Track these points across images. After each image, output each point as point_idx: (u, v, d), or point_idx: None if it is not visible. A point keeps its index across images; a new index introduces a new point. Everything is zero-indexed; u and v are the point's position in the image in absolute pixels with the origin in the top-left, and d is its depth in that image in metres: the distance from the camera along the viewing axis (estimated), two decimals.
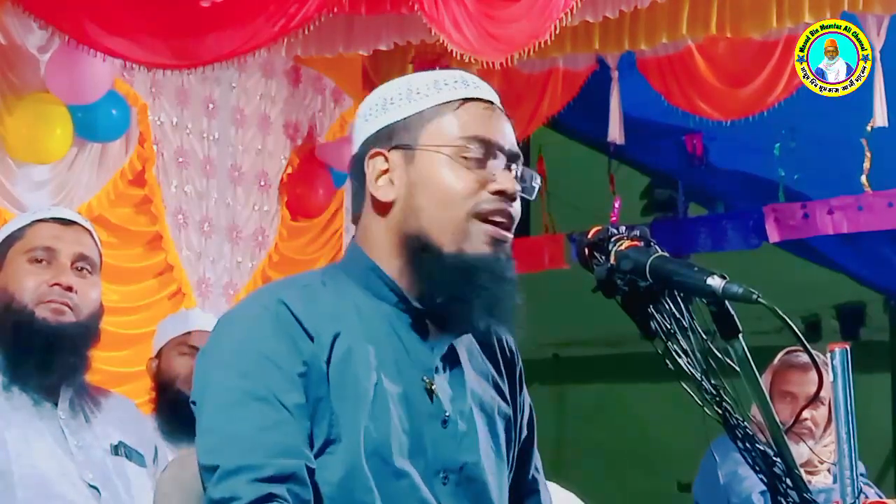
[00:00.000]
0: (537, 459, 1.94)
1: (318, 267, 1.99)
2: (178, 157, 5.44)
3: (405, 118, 1.75)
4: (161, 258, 5.34)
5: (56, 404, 2.54)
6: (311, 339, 1.67)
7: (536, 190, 1.81)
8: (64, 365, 2.53)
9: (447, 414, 1.73)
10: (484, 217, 1.71)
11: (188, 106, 5.50)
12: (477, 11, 4.22)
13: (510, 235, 1.75)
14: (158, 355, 3.69)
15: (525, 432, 1.90)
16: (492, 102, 1.78)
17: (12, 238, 2.60)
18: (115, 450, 2.58)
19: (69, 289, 2.54)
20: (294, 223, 5.99)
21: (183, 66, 4.41)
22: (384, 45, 5.23)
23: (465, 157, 1.72)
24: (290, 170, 5.98)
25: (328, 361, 1.67)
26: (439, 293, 1.71)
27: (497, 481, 1.77)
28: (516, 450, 1.87)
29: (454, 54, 4.37)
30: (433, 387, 1.73)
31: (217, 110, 5.63)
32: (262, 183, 5.86)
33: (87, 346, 2.60)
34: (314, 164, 6.02)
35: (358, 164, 1.79)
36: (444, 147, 1.72)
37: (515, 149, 1.77)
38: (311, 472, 1.62)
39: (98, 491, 2.48)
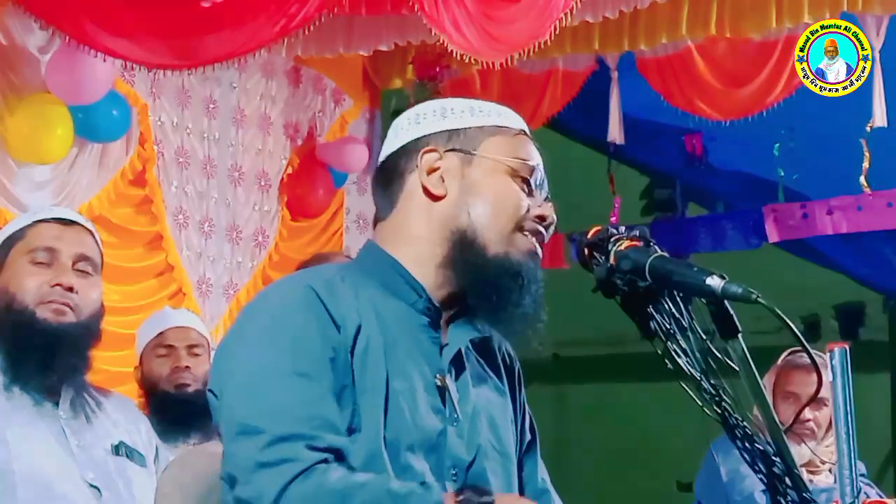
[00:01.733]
0: (542, 465, 1.96)
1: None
2: (178, 158, 5.45)
3: (466, 127, 1.85)
4: (161, 258, 5.35)
5: (57, 404, 2.54)
6: (338, 327, 1.71)
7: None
8: (65, 365, 2.53)
9: (457, 413, 1.76)
10: (525, 233, 1.82)
11: (189, 106, 5.50)
12: (477, 12, 4.22)
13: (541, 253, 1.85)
14: (140, 362, 3.71)
15: (528, 436, 1.94)
16: (533, 141, 1.90)
17: (13, 238, 2.60)
18: (116, 450, 2.58)
19: (70, 289, 2.54)
20: (294, 223, 6.00)
21: (183, 67, 4.41)
22: (384, 45, 5.24)
23: (520, 177, 1.83)
24: (290, 170, 5.98)
25: (352, 352, 1.71)
26: (480, 286, 1.77)
27: (504, 482, 1.80)
28: (520, 453, 1.90)
29: (454, 54, 4.38)
30: (446, 385, 1.76)
31: (217, 110, 5.64)
32: (262, 183, 5.86)
33: (88, 347, 2.60)
34: (314, 164, 6.02)
35: (395, 164, 1.85)
36: (506, 160, 1.83)
37: (546, 185, 1.88)
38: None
39: (99, 491, 2.48)
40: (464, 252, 1.78)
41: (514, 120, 1.89)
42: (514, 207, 1.80)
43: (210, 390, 1.75)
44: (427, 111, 1.88)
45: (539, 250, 1.83)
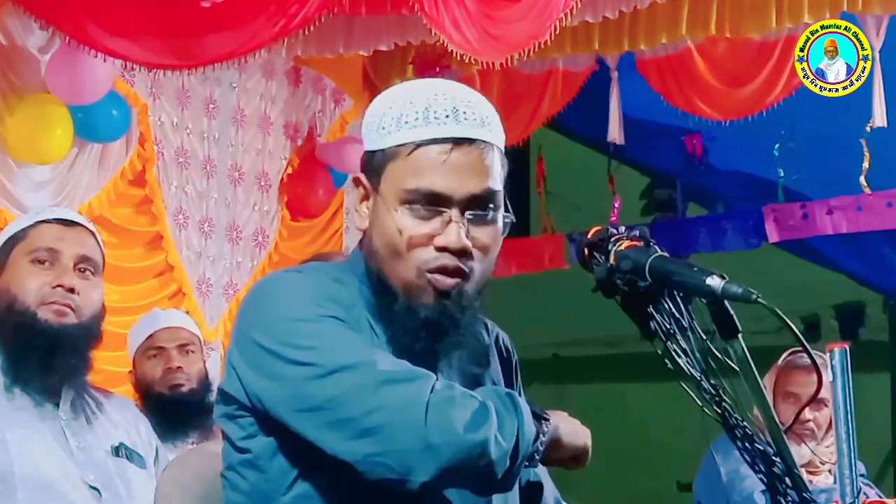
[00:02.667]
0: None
1: None
2: (178, 158, 5.45)
3: (377, 151, 1.75)
4: (161, 258, 5.35)
5: (57, 405, 2.54)
6: (347, 307, 1.70)
7: (508, 227, 1.76)
8: (65, 366, 2.53)
9: None
10: (431, 272, 1.69)
11: (188, 106, 5.50)
12: (477, 12, 4.22)
13: (461, 281, 1.70)
14: (133, 366, 3.70)
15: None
16: (453, 140, 1.69)
17: (15, 239, 2.60)
18: (116, 451, 2.58)
19: (71, 290, 2.54)
20: (294, 223, 6.00)
21: (183, 67, 4.41)
22: (384, 45, 5.24)
23: (412, 209, 1.69)
24: (290, 170, 5.98)
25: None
26: (403, 338, 1.71)
27: None
28: None
29: (454, 54, 4.38)
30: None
31: (217, 110, 5.64)
32: (262, 183, 5.86)
33: (89, 348, 2.60)
34: (314, 165, 6.02)
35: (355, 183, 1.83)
36: (392, 196, 1.70)
37: (477, 191, 1.69)
38: None
39: (99, 492, 2.48)
40: (381, 295, 1.73)
41: (415, 127, 1.70)
42: (406, 249, 1.68)
43: (225, 389, 1.74)
44: (372, 120, 1.79)
45: (449, 282, 1.68)
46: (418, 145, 1.69)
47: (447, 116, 1.70)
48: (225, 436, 1.77)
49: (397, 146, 1.71)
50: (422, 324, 1.69)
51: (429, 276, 1.68)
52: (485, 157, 1.70)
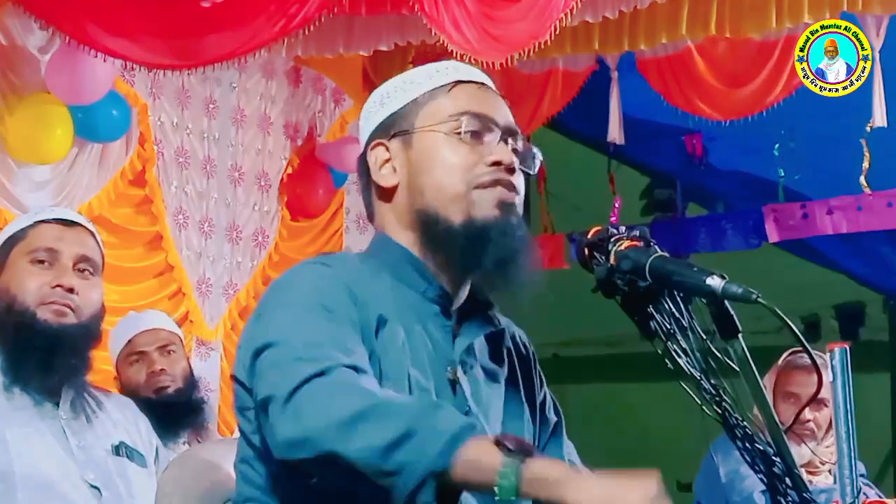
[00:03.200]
0: (570, 445, 1.94)
1: None
2: (178, 158, 5.45)
3: (401, 108, 1.81)
4: (161, 258, 5.35)
5: (57, 405, 2.54)
6: (359, 307, 1.68)
7: (538, 165, 1.83)
8: (65, 366, 2.53)
9: (469, 406, 1.74)
10: (485, 187, 1.75)
11: (188, 106, 5.50)
12: (477, 12, 4.22)
13: (516, 200, 1.77)
14: (116, 372, 3.69)
15: (553, 418, 1.92)
16: (484, 83, 1.83)
17: (15, 239, 2.60)
18: (117, 450, 2.58)
19: (71, 290, 2.54)
20: (294, 223, 6.00)
21: (183, 67, 4.41)
22: (384, 45, 5.24)
23: (460, 132, 1.76)
24: (290, 170, 5.98)
25: (376, 333, 1.69)
26: (457, 262, 1.74)
27: None
28: (544, 439, 1.89)
29: (454, 55, 4.37)
30: (457, 378, 1.74)
31: (217, 110, 5.64)
32: (262, 183, 5.86)
33: (89, 348, 2.60)
34: (314, 164, 6.02)
35: (362, 160, 1.85)
36: (439, 125, 1.77)
37: (512, 125, 1.80)
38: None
39: (99, 491, 2.48)
40: (432, 233, 1.75)
41: (447, 74, 1.82)
42: (459, 170, 1.75)
43: (234, 376, 1.72)
44: (370, 104, 1.88)
45: (509, 194, 1.76)
46: (457, 82, 1.81)
47: (471, 71, 1.85)
48: (239, 428, 1.76)
49: (433, 89, 1.80)
50: (482, 229, 1.72)
51: (485, 191, 1.73)
52: (507, 106, 1.83)
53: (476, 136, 1.76)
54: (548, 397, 1.92)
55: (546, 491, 1.41)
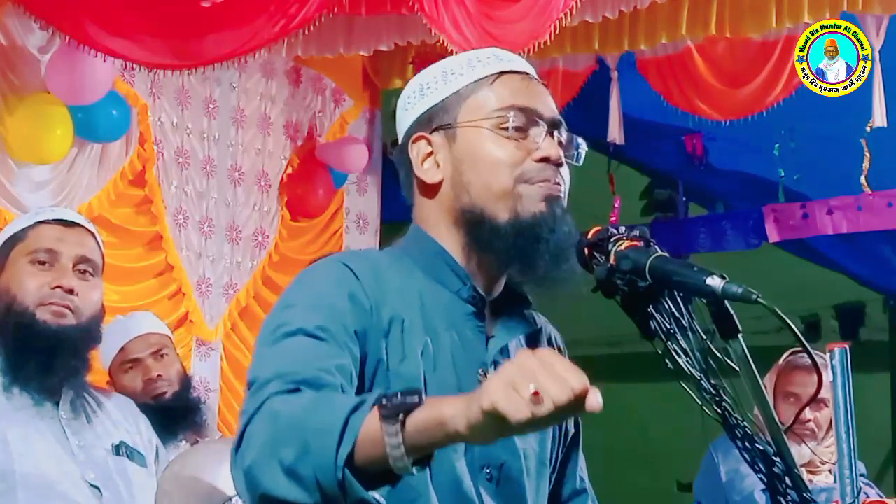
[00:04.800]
0: (583, 461, 1.93)
1: None
2: (178, 158, 5.45)
3: (443, 100, 1.77)
4: (161, 258, 5.34)
5: (57, 405, 2.54)
6: (370, 306, 1.65)
7: (583, 155, 1.81)
8: (65, 367, 2.53)
9: None
10: (532, 184, 1.72)
11: (188, 106, 5.50)
12: (477, 12, 4.22)
13: (563, 194, 1.75)
14: (110, 378, 3.67)
15: (572, 430, 1.90)
16: (527, 73, 1.80)
17: (15, 239, 2.60)
18: (117, 450, 2.58)
19: (70, 291, 2.53)
20: (294, 223, 6.00)
21: (183, 67, 4.41)
22: (384, 45, 5.24)
23: (506, 128, 1.72)
24: (290, 170, 5.98)
25: (387, 336, 1.66)
26: (505, 260, 1.72)
27: (535, 484, 1.76)
28: (561, 450, 1.87)
29: (454, 55, 4.37)
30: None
31: (217, 110, 5.64)
32: (262, 183, 5.86)
33: (88, 349, 2.60)
34: (314, 164, 6.02)
35: (402, 152, 1.80)
36: (483, 120, 1.73)
37: (556, 116, 1.77)
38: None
39: (99, 491, 2.48)
40: (477, 231, 1.72)
41: (490, 64, 1.78)
42: (506, 165, 1.71)
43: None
44: (410, 94, 1.82)
45: (556, 187, 1.73)
46: (501, 73, 1.77)
47: (513, 59, 1.81)
48: None
49: (475, 81, 1.76)
50: (529, 225, 1.69)
51: (531, 186, 1.71)
52: (550, 94, 1.80)
53: (521, 130, 1.73)
54: None
55: (436, 437, 1.34)
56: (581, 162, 1.81)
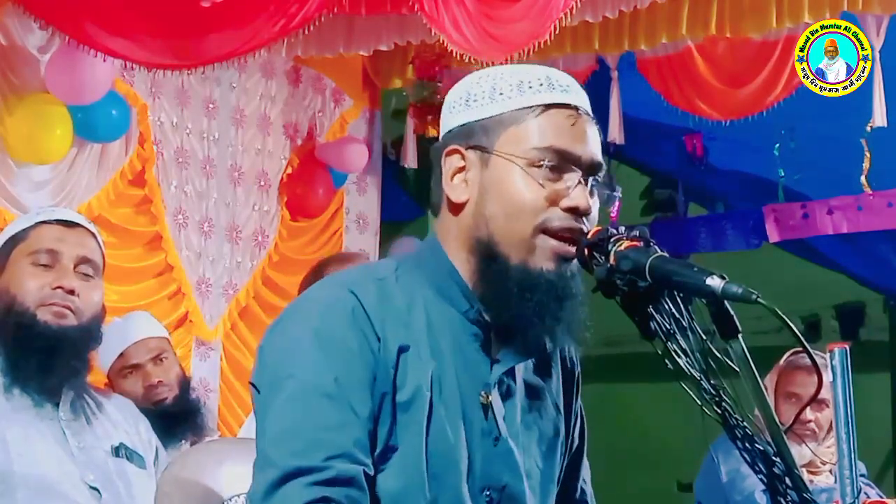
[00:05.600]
0: (586, 471, 1.92)
1: None
2: (178, 158, 5.44)
3: (485, 118, 1.71)
4: (161, 258, 5.34)
5: (57, 406, 2.54)
6: (380, 340, 1.64)
7: (615, 200, 1.78)
8: (65, 367, 2.53)
9: (499, 432, 1.70)
10: (552, 233, 1.68)
11: (188, 106, 5.50)
12: (477, 11, 4.22)
13: (574, 250, 1.69)
14: (110, 382, 3.66)
15: (577, 442, 1.88)
16: (577, 108, 1.72)
17: (16, 239, 2.60)
18: (116, 451, 2.58)
19: (71, 292, 2.53)
20: (294, 223, 6.00)
21: (183, 67, 4.40)
22: (384, 45, 5.24)
23: (539, 168, 1.67)
24: (290, 170, 5.98)
25: (395, 367, 1.64)
26: (503, 305, 1.68)
27: (540, 502, 1.75)
28: (566, 461, 1.86)
29: (454, 54, 4.38)
30: (490, 402, 1.70)
31: (217, 110, 5.63)
32: (262, 183, 5.86)
33: (89, 349, 2.60)
34: (314, 164, 6.02)
35: (438, 154, 1.76)
36: (518, 157, 1.68)
37: (597, 158, 1.72)
38: (368, 478, 1.59)
39: (99, 492, 2.48)
40: (485, 266, 1.68)
41: (540, 92, 1.70)
42: (530, 209, 1.66)
43: (252, 383, 1.69)
44: (455, 98, 1.75)
45: (570, 249, 1.67)
46: (548, 106, 1.70)
47: (568, 87, 1.73)
48: None
49: (521, 108, 1.69)
50: (535, 283, 1.65)
51: (549, 240, 1.67)
52: (598, 132, 1.74)
53: (556, 171, 1.68)
54: (580, 418, 1.89)
55: None
56: (615, 211, 1.80)
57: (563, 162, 1.68)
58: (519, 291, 1.66)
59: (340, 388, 1.59)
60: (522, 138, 1.69)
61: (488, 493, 1.68)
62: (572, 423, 1.86)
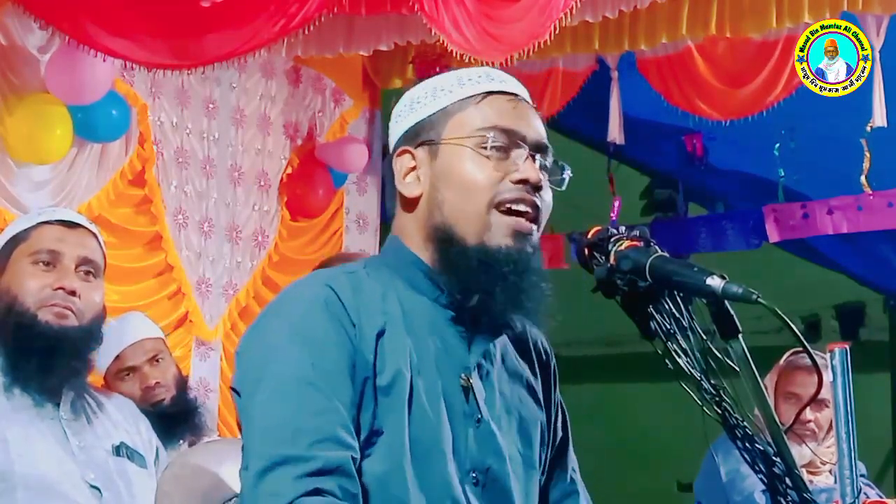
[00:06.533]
0: (574, 461, 1.93)
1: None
2: (178, 158, 5.44)
3: (430, 115, 1.77)
4: (161, 258, 5.34)
5: (58, 405, 2.54)
6: (357, 329, 1.66)
7: (567, 181, 1.81)
8: (66, 368, 2.53)
9: (481, 414, 1.72)
10: (506, 208, 1.71)
11: (188, 106, 5.50)
12: (477, 11, 4.22)
13: (535, 227, 1.74)
14: (106, 384, 3.66)
15: (560, 433, 1.90)
16: (516, 95, 1.79)
17: (17, 239, 2.60)
18: (117, 450, 2.58)
19: (72, 293, 2.53)
20: (294, 223, 6.00)
21: (183, 67, 4.40)
22: (384, 45, 5.24)
23: (486, 147, 1.72)
24: (290, 170, 5.98)
25: (374, 353, 1.66)
26: (465, 286, 1.71)
27: (523, 487, 1.76)
28: (550, 453, 1.87)
29: (454, 54, 4.38)
30: (471, 384, 1.72)
31: (217, 110, 5.63)
32: (262, 183, 5.86)
33: (90, 350, 2.60)
34: (314, 164, 6.02)
35: (389, 164, 1.81)
36: (465, 139, 1.73)
37: (542, 140, 1.77)
38: (356, 463, 1.61)
39: (99, 491, 2.48)
40: (444, 251, 1.72)
41: (479, 83, 1.77)
42: (481, 186, 1.71)
43: (233, 388, 1.71)
44: (401, 107, 1.83)
45: (528, 224, 1.72)
46: (488, 93, 1.76)
47: (505, 80, 1.80)
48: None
49: (463, 99, 1.76)
50: (494, 258, 1.69)
51: (504, 217, 1.70)
52: (540, 119, 1.80)
53: (503, 150, 1.73)
54: (561, 410, 1.91)
55: None
56: (564, 187, 1.81)
57: (509, 140, 1.74)
58: (479, 266, 1.69)
59: (320, 376, 1.62)
60: (467, 123, 1.74)
61: (474, 474, 1.70)
62: (553, 415, 1.88)
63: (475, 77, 1.78)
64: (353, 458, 1.60)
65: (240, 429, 1.70)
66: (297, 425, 1.59)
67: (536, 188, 1.73)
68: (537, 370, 1.86)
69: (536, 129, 1.77)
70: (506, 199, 1.71)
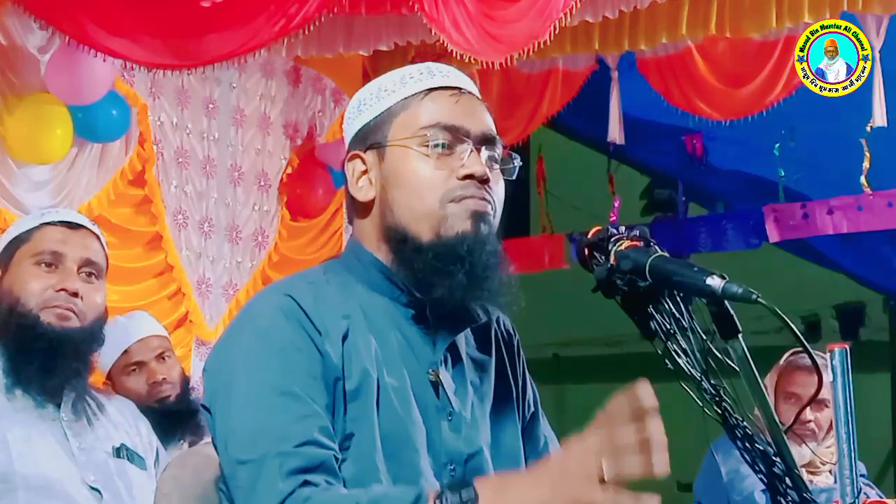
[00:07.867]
0: (547, 429, 1.93)
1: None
2: (178, 158, 5.45)
3: (376, 117, 1.77)
4: (161, 258, 5.34)
5: (59, 407, 2.54)
6: (320, 333, 1.67)
7: (516, 169, 1.80)
8: (67, 369, 2.53)
9: (452, 407, 1.74)
10: (457, 202, 1.71)
11: (188, 106, 5.50)
12: (477, 11, 4.22)
13: (489, 209, 1.73)
14: (110, 380, 3.66)
15: (531, 408, 1.90)
16: (459, 88, 1.78)
17: (19, 240, 2.60)
18: (117, 452, 2.58)
19: (75, 294, 2.53)
20: (294, 223, 6.00)
21: (183, 67, 4.41)
22: (384, 45, 5.24)
23: (430, 146, 1.72)
24: (290, 170, 5.98)
25: (342, 358, 1.67)
26: (423, 282, 1.71)
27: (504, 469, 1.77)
28: (524, 427, 1.88)
29: (454, 54, 4.38)
30: (439, 379, 1.74)
31: (217, 110, 5.64)
32: (262, 183, 5.86)
33: (91, 351, 2.60)
34: (314, 164, 6.02)
35: (343, 170, 1.82)
36: (409, 139, 1.73)
37: (488, 131, 1.76)
38: (338, 462, 1.62)
39: (100, 493, 2.48)
40: (401, 250, 1.72)
41: (421, 80, 1.77)
42: (430, 185, 1.71)
43: (203, 406, 1.72)
44: (350, 111, 1.82)
45: (483, 203, 1.71)
46: (430, 90, 1.76)
47: (448, 73, 1.80)
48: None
49: (406, 98, 1.76)
50: (450, 248, 1.69)
51: (457, 204, 1.70)
52: (486, 110, 1.79)
53: (447, 147, 1.72)
54: (529, 385, 1.91)
55: None
56: (514, 177, 1.80)
57: (452, 137, 1.73)
58: (435, 260, 1.69)
59: (293, 384, 1.62)
60: (410, 122, 1.74)
61: (452, 466, 1.71)
62: (520, 390, 1.88)
63: (417, 74, 1.78)
64: (336, 458, 1.61)
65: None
66: (278, 432, 1.59)
67: (483, 181, 1.72)
68: (503, 350, 1.87)
69: (482, 121, 1.76)
70: (457, 196, 1.71)
